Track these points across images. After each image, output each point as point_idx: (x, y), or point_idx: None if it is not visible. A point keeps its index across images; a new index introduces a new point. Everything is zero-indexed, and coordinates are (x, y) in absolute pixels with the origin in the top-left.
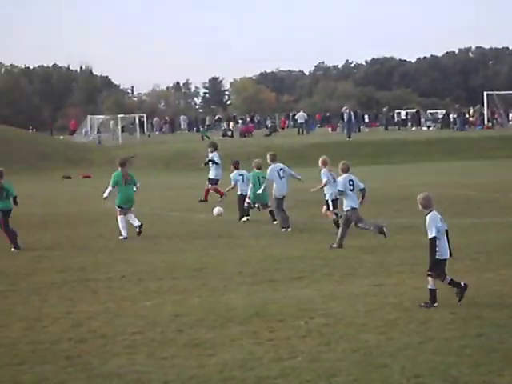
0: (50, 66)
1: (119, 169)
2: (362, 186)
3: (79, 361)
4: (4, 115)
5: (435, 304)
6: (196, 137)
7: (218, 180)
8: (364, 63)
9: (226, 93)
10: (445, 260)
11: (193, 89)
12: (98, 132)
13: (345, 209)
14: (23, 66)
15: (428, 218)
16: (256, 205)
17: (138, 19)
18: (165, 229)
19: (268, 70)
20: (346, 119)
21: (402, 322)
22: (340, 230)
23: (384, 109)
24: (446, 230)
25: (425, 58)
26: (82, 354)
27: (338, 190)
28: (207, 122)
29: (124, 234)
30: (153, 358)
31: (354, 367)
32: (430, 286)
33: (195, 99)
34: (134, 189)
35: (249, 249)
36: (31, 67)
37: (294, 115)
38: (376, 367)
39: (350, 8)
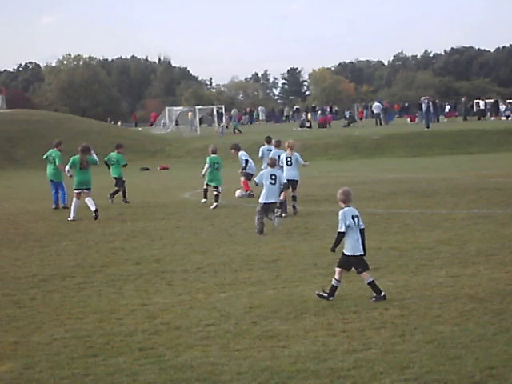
0: (129, 57)
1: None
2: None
3: (153, 353)
4: (83, 107)
5: (382, 294)
6: (275, 128)
7: (252, 175)
8: (443, 53)
9: (305, 83)
10: (359, 256)
11: (271, 80)
12: (176, 123)
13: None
14: (101, 58)
15: (341, 212)
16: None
17: (217, 10)
18: (241, 221)
19: (347, 61)
20: (424, 109)
21: (477, 313)
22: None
23: (463, 99)
24: (362, 229)
25: (504, 47)
26: (156, 346)
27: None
28: (285, 113)
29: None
30: (226, 349)
31: (427, 359)
32: (366, 282)
33: (274, 90)
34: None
35: (324, 240)
36: (109, 59)
37: (372, 106)
38: (449, 359)
39: None
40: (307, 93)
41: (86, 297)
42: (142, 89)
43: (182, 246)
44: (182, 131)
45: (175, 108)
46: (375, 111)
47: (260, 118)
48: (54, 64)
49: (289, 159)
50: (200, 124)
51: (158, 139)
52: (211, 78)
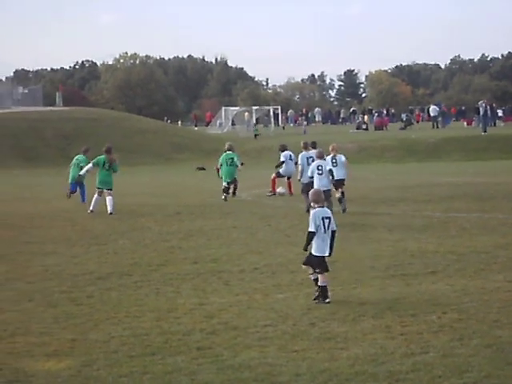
0: (185, 57)
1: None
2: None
3: (210, 352)
4: (139, 106)
5: (327, 300)
6: (331, 129)
7: (284, 176)
8: (500, 57)
9: (361, 85)
10: (321, 257)
11: (328, 81)
12: (232, 124)
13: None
14: (158, 57)
15: (312, 212)
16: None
17: (274, 11)
18: (298, 222)
19: (404, 63)
20: (482, 113)
21: None
22: None
23: None
24: (334, 231)
25: None
26: (214, 346)
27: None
28: (341, 115)
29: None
30: (284, 350)
31: (486, 363)
32: (320, 283)
33: (330, 91)
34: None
35: (381, 243)
36: (166, 58)
37: (429, 109)
38: (508, 363)
39: (486, 1)
40: (363, 95)
41: (144, 295)
42: (198, 88)
43: (239, 245)
44: (238, 131)
45: (231, 108)
46: (432, 114)
47: (316, 119)
48: (110, 62)
49: (334, 160)
50: (256, 124)
51: (214, 139)
52: (267, 79)
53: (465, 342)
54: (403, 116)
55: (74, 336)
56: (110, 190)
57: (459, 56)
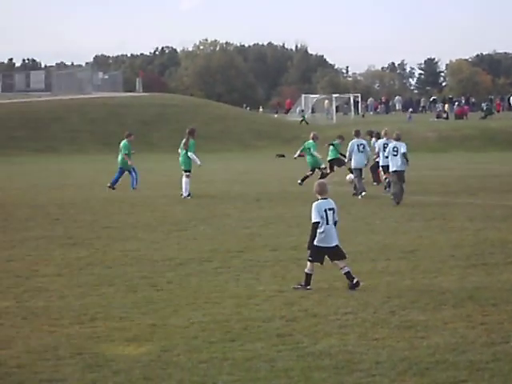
0: (265, 44)
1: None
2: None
3: (290, 339)
4: (219, 93)
5: (308, 287)
6: (412, 117)
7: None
8: None
9: (442, 74)
10: (325, 248)
11: (408, 69)
12: (312, 111)
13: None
14: (238, 44)
15: (315, 204)
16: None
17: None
18: (378, 210)
19: (484, 52)
20: None
21: None
22: None
23: None
24: (336, 222)
25: None
26: (294, 333)
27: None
28: (422, 104)
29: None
30: (364, 338)
31: None
32: (306, 270)
33: (410, 80)
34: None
35: (462, 232)
36: (246, 45)
37: (509, 98)
38: None
39: None
40: (444, 84)
41: (223, 282)
42: (277, 76)
43: None
44: (317, 119)
45: (311, 95)
46: None
47: (397, 107)
48: (190, 49)
49: (385, 145)
50: (336, 112)
51: (293, 126)
52: (347, 67)
53: None
54: (483, 105)
55: (154, 321)
56: (185, 171)
57: None
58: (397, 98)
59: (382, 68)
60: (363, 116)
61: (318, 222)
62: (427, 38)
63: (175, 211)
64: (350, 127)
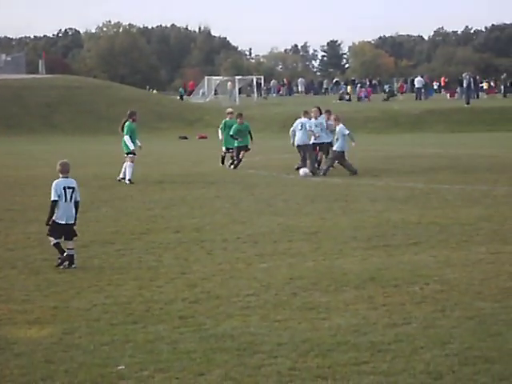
0: (169, 25)
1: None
2: None
3: (193, 321)
4: (121, 74)
5: (65, 254)
6: (314, 100)
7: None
8: (484, 29)
9: (345, 56)
10: (64, 225)
11: (311, 51)
12: (215, 93)
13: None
14: (141, 26)
15: (54, 182)
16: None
17: None
18: (281, 192)
19: (387, 35)
20: (465, 85)
21: None
22: None
23: (502, 76)
24: (77, 202)
25: None
26: (196, 315)
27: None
28: (324, 86)
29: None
30: (267, 320)
31: (468, 335)
32: (52, 244)
33: (313, 62)
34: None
35: (364, 213)
36: (149, 27)
37: (413, 80)
38: (491, 335)
39: None
40: (346, 66)
41: (126, 264)
42: (181, 57)
43: (222, 215)
44: (220, 101)
45: (214, 77)
46: (417, 86)
47: (299, 89)
48: (93, 31)
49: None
50: (239, 94)
51: (196, 108)
52: (251, 49)
53: (447, 313)
54: (386, 87)
55: (56, 304)
56: (126, 154)
57: (442, 28)
58: (300, 79)
59: (285, 50)
60: (265, 98)
61: (56, 201)
62: (330, 20)
63: None
64: (252, 109)
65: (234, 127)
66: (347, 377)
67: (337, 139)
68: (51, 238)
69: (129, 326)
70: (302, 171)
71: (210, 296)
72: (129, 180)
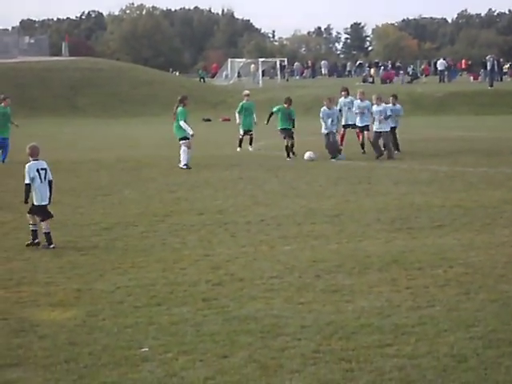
0: (192, 8)
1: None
2: None
3: (216, 303)
4: (145, 57)
5: (52, 246)
6: (338, 82)
7: None
8: (507, 12)
9: (368, 39)
10: (42, 205)
11: (334, 34)
12: (238, 75)
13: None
14: (164, 8)
15: (26, 166)
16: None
17: None
18: (304, 174)
19: (410, 17)
20: (489, 68)
21: None
22: None
23: None
24: (51, 181)
25: None
26: (220, 297)
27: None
28: (348, 68)
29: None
30: (290, 302)
31: (492, 317)
32: (44, 231)
33: (336, 45)
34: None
35: (388, 196)
36: (172, 9)
37: (436, 63)
38: None
39: None
40: (370, 48)
41: (149, 246)
42: (204, 40)
43: (245, 197)
44: (244, 83)
45: (238, 60)
46: (439, 68)
47: (323, 72)
48: (116, 13)
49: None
50: (262, 76)
51: (220, 91)
52: (274, 31)
53: (471, 296)
54: (409, 70)
55: (80, 286)
56: (180, 139)
57: (466, 10)
58: (323, 62)
59: (309, 33)
60: (287, 80)
61: (29, 184)
62: (353, 2)
63: (100, 176)
64: (276, 92)
65: (279, 108)
66: (371, 359)
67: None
68: (30, 219)
69: (152, 308)
70: (307, 155)
71: (233, 278)
72: (185, 165)
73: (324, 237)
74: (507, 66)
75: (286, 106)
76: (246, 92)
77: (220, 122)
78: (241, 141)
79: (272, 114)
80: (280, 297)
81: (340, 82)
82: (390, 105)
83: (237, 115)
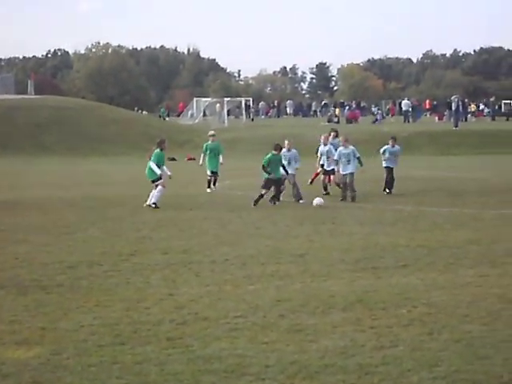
0: (158, 47)
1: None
2: None
3: (180, 343)
4: (110, 95)
5: None
6: (303, 122)
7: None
8: (472, 52)
9: (333, 79)
10: None
11: (300, 74)
12: (204, 115)
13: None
14: (130, 47)
15: None
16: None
17: (247, 2)
18: (269, 214)
19: (376, 57)
20: (454, 108)
21: (506, 313)
22: None
23: (491, 99)
24: None
25: None
26: (184, 336)
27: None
28: (313, 108)
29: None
30: (254, 342)
31: (455, 357)
32: None
33: (302, 84)
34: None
35: (352, 236)
36: (138, 48)
37: (401, 103)
38: (478, 358)
39: None
40: (335, 88)
41: (114, 285)
42: (170, 79)
43: (210, 237)
44: (209, 122)
45: (203, 99)
46: (404, 108)
47: (288, 111)
48: (82, 51)
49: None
50: (228, 116)
51: (185, 130)
52: (239, 70)
53: (434, 336)
54: (374, 110)
55: (44, 324)
56: (152, 182)
57: (431, 50)
58: (288, 102)
59: (274, 72)
60: (252, 120)
61: None
62: (319, 42)
63: (67, 214)
64: (241, 131)
65: (269, 158)
66: None
67: (348, 161)
68: None
69: (116, 347)
70: (316, 201)
71: (197, 317)
72: (154, 204)
73: (288, 276)
74: (473, 106)
75: (275, 152)
76: (212, 132)
77: (185, 162)
78: (209, 182)
79: (265, 166)
80: (244, 336)
81: (305, 122)
82: (389, 145)
83: (201, 156)
